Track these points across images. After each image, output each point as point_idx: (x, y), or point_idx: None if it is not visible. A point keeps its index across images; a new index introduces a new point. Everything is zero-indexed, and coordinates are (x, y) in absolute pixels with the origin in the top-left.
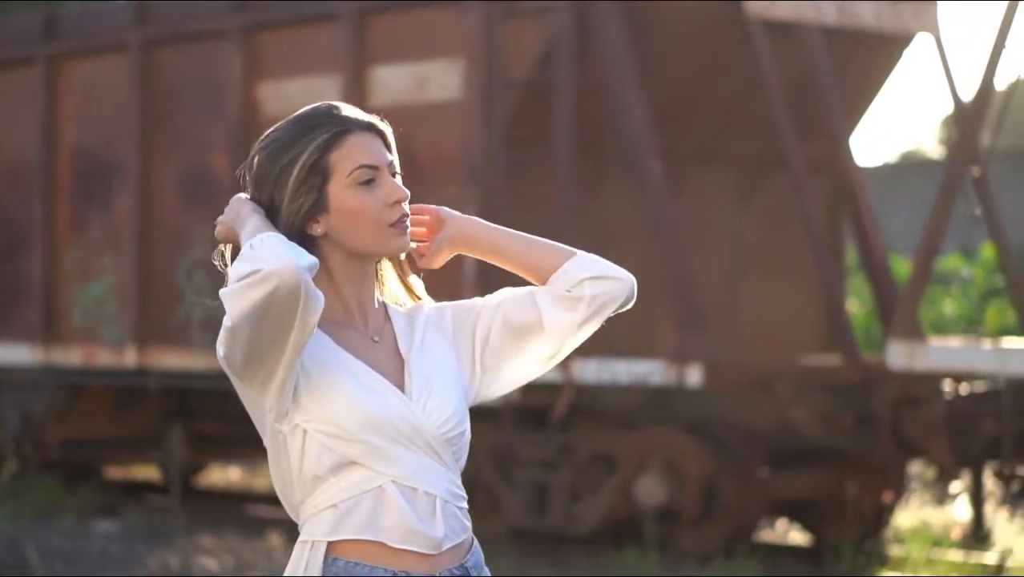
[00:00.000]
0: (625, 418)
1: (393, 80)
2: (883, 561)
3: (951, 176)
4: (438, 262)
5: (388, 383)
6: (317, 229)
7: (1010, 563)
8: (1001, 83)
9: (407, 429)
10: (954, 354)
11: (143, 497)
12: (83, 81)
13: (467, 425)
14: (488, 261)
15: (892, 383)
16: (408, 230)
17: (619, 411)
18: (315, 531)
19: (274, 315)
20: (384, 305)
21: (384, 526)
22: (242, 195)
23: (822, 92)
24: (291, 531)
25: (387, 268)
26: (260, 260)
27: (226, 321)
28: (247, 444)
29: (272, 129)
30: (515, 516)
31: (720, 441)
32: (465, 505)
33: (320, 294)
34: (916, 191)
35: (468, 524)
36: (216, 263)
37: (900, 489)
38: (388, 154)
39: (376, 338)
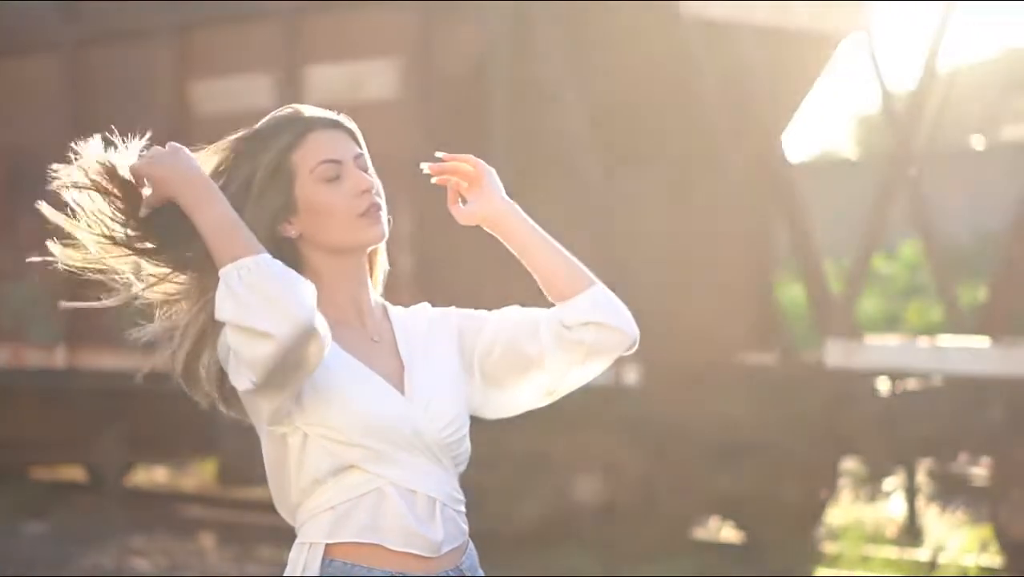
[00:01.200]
0: (562, 417)
1: (329, 79)
2: (817, 558)
3: (889, 175)
4: (464, 221)
5: (388, 385)
6: (291, 231)
7: (942, 560)
8: (935, 84)
9: (408, 432)
10: (891, 352)
11: (69, 498)
12: (12, 80)
13: (467, 431)
14: (507, 247)
15: (826, 380)
16: (382, 219)
17: (556, 410)
18: (313, 533)
19: (290, 365)
20: (383, 305)
21: (384, 529)
22: (182, 152)
23: (756, 91)
24: (224, 532)
25: (380, 267)
26: (268, 316)
27: (244, 369)
28: (177, 444)
29: (240, 135)
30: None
31: (657, 439)
32: (463, 509)
33: (326, 330)
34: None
35: (466, 527)
36: (77, 195)
37: (834, 486)
38: (355, 148)
39: (375, 338)
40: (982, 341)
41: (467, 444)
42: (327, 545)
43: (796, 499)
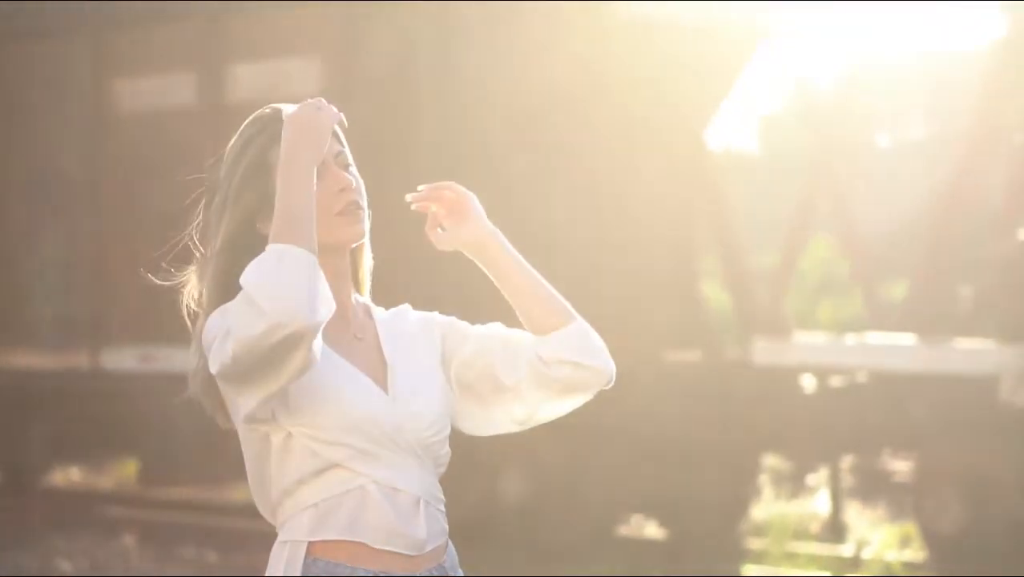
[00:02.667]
0: None
1: (250, 78)
2: (742, 555)
3: (814, 172)
4: (443, 247)
5: (371, 382)
6: (269, 226)
7: (866, 555)
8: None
9: (391, 430)
10: (819, 349)
11: None
12: None
13: (448, 432)
14: (488, 275)
15: (751, 377)
16: (362, 218)
17: None
18: (295, 531)
19: (274, 360)
20: (366, 305)
21: (366, 527)
22: (315, 109)
23: (680, 89)
24: (146, 531)
25: (365, 266)
26: (280, 300)
27: (229, 345)
28: (97, 445)
29: (234, 141)
30: None
31: (582, 437)
32: (444, 508)
33: (318, 350)
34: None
35: (446, 526)
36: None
37: (758, 483)
38: (335, 146)
39: (358, 336)
40: (908, 338)
41: (448, 446)
42: (309, 543)
43: (720, 496)
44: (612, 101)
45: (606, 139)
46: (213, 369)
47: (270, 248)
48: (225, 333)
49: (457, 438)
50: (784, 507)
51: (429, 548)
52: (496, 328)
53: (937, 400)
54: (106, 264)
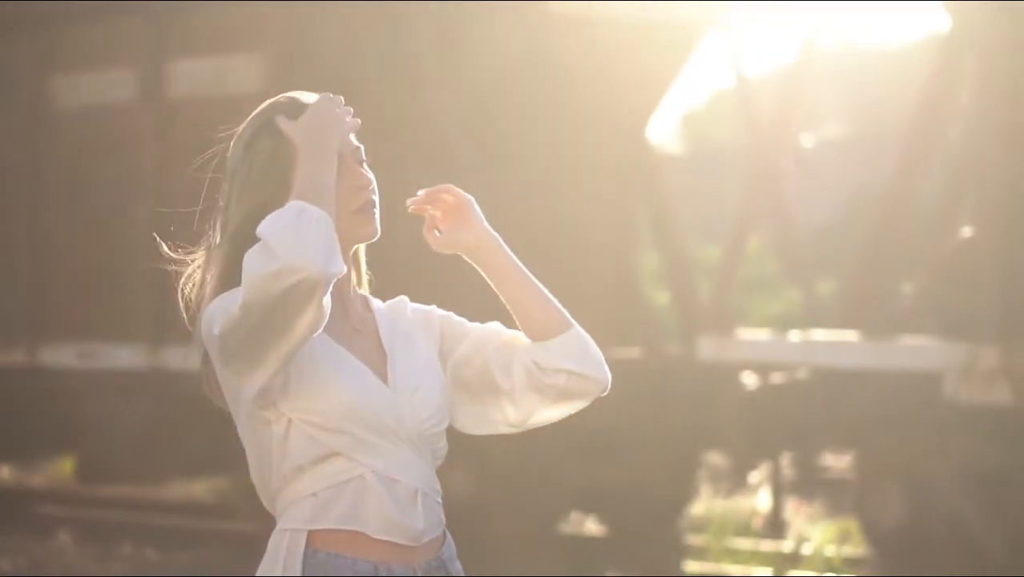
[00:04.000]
0: None
1: (192, 73)
2: (682, 551)
3: (756, 168)
4: (440, 249)
5: (372, 373)
6: None
7: (806, 551)
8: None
9: (391, 421)
10: (763, 347)
11: None
12: None
13: (446, 424)
14: (486, 278)
15: (692, 374)
16: (376, 217)
17: None
18: (294, 520)
19: (284, 312)
20: (364, 297)
21: (366, 516)
22: (326, 104)
23: (621, 85)
24: (82, 530)
25: (363, 259)
26: (291, 246)
27: (239, 298)
28: (31, 442)
29: (246, 120)
30: None
31: (522, 434)
32: (440, 499)
33: (328, 306)
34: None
35: (443, 518)
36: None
37: (699, 479)
38: (352, 141)
39: (358, 327)
40: (851, 335)
41: (445, 439)
42: (309, 533)
43: (661, 492)
44: (555, 98)
45: (547, 135)
46: (218, 331)
47: (291, 204)
48: (226, 307)
49: None
50: (725, 503)
51: (426, 539)
52: (495, 328)
53: (879, 396)
54: (46, 260)
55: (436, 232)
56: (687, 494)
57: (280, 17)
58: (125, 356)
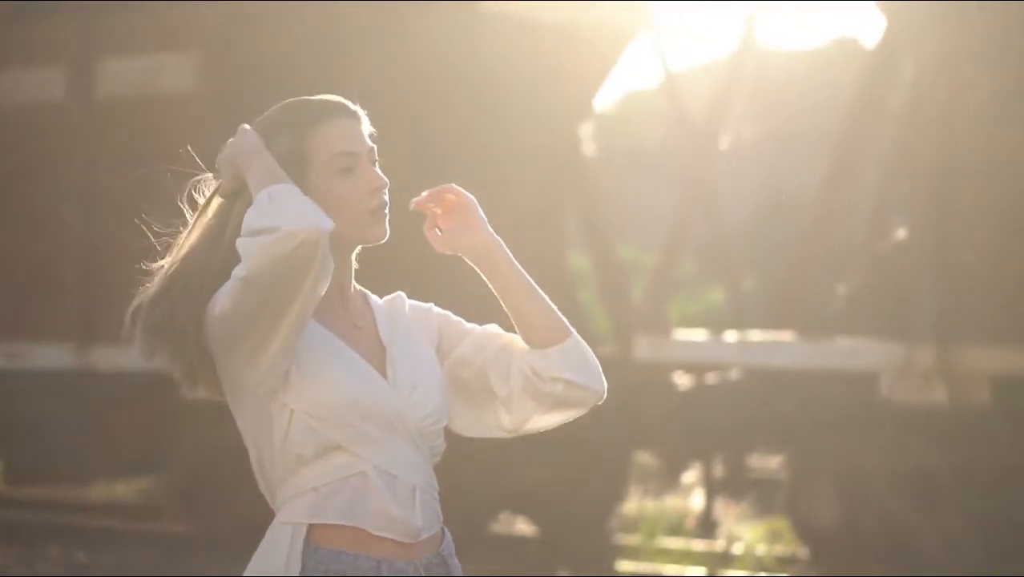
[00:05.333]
0: None
1: (123, 72)
2: (614, 551)
3: (695, 169)
4: (442, 249)
5: (372, 369)
6: None
7: (736, 550)
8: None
9: (392, 416)
10: (699, 347)
11: None
12: None
13: (445, 422)
14: (487, 282)
15: (624, 374)
16: (386, 219)
17: None
18: (295, 513)
19: (289, 275)
20: (363, 293)
21: (366, 512)
22: (244, 128)
23: (553, 86)
24: (9, 532)
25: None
26: (282, 216)
27: (238, 272)
28: None
29: (256, 122)
30: (251, 510)
31: (452, 434)
32: (438, 495)
33: (331, 261)
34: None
35: (440, 514)
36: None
37: (630, 479)
38: (368, 142)
39: (358, 324)
40: (786, 335)
41: (443, 437)
42: (308, 528)
43: (593, 492)
44: (486, 98)
45: (478, 136)
46: (219, 311)
47: (257, 198)
48: (227, 289)
49: None
50: (657, 503)
51: (425, 536)
52: (494, 330)
53: (814, 397)
54: None
55: (437, 231)
56: (619, 494)
57: (214, 17)
58: (53, 356)
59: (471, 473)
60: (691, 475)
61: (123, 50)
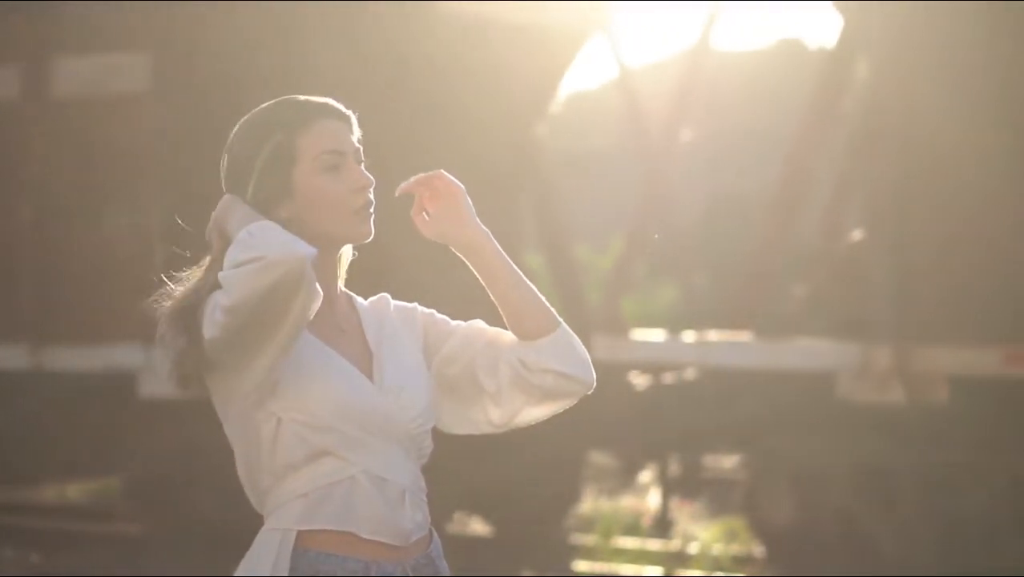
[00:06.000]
0: None
1: (78, 71)
2: (570, 551)
3: (649, 169)
4: (429, 235)
5: (359, 372)
6: (282, 213)
7: (692, 550)
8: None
9: (380, 420)
10: (658, 347)
11: None
12: None
13: (432, 423)
14: (477, 275)
15: None
16: (371, 218)
17: None
18: (284, 519)
19: (276, 302)
20: (348, 296)
21: (356, 516)
22: (225, 196)
23: (507, 86)
24: None
25: (346, 256)
26: (262, 247)
27: (223, 301)
28: None
29: (242, 120)
30: (205, 511)
31: None
32: (426, 497)
33: (318, 288)
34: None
35: (428, 516)
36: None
37: (585, 479)
38: (354, 143)
39: (343, 327)
40: (743, 335)
41: (431, 439)
42: (298, 532)
43: (548, 492)
44: (442, 98)
45: (434, 135)
46: (211, 333)
47: (236, 238)
48: (215, 304)
49: None
50: (613, 503)
51: (414, 538)
52: (479, 326)
53: (772, 396)
54: None
55: (425, 216)
56: (574, 494)
57: (169, 16)
58: (6, 357)
59: (426, 474)
60: (646, 475)
61: (78, 49)
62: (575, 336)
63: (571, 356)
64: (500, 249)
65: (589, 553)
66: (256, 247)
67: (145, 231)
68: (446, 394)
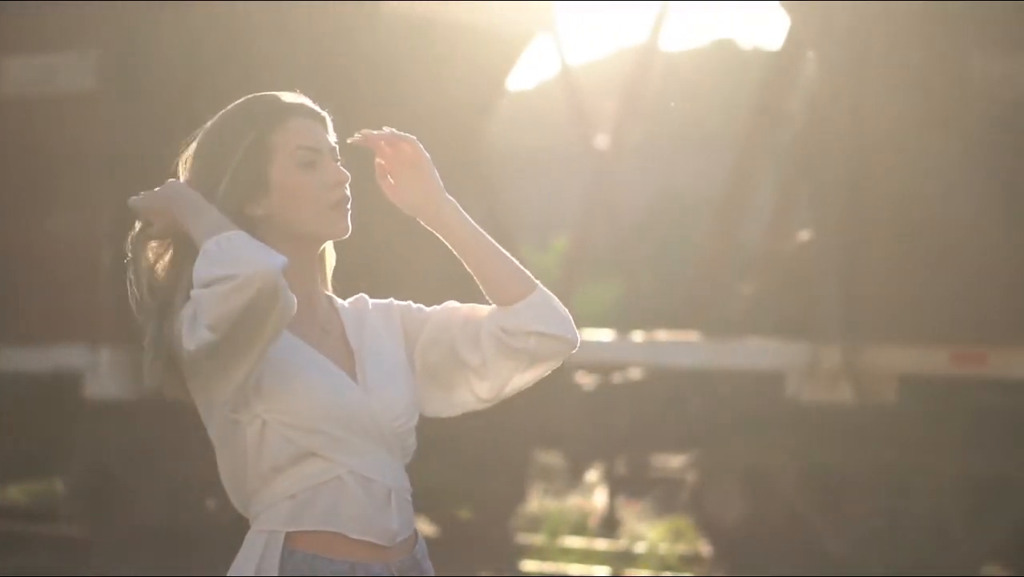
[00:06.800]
0: None
1: (18, 71)
2: (517, 550)
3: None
4: (395, 201)
5: (342, 372)
6: (257, 210)
7: (639, 549)
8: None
9: (365, 420)
10: (605, 347)
11: None
12: None
13: (416, 421)
14: (447, 245)
15: None
16: (349, 215)
17: None
18: (272, 521)
19: (252, 318)
20: (328, 297)
21: (343, 517)
22: (175, 181)
23: (452, 86)
24: None
25: (329, 261)
26: (235, 263)
27: (202, 319)
28: None
29: (216, 116)
30: (149, 512)
31: None
32: (411, 497)
33: (293, 297)
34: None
35: (414, 517)
36: (130, 247)
37: (532, 479)
38: (331, 142)
39: (325, 328)
40: (692, 335)
41: (415, 437)
42: (286, 534)
43: (495, 492)
44: (385, 97)
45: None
46: (192, 345)
47: (204, 246)
48: (192, 314)
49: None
50: (560, 502)
51: (400, 539)
52: (452, 305)
53: (720, 396)
54: None
55: (390, 180)
56: (521, 494)
57: (113, 15)
58: None
59: None
60: (593, 474)
61: (22, 48)
62: (553, 296)
63: (551, 316)
64: (469, 219)
65: (536, 553)
66: (225, 263)
67: (90, 231)
68: (431, 379)
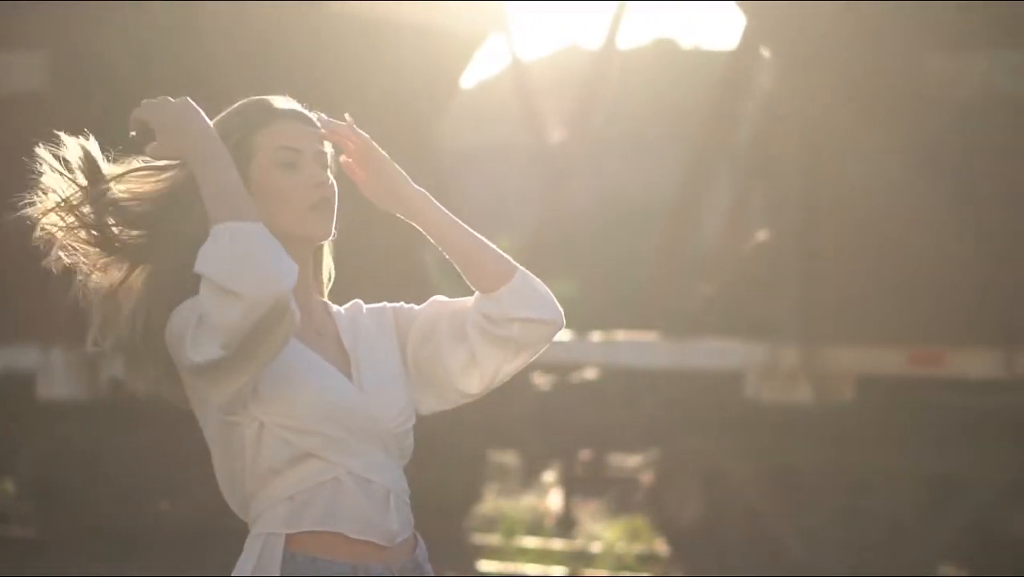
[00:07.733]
0: None
1: None
2: (472, 550)
3: (554, 166)
4: (368, 195)
5: (340, 374)
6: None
7: (595, 549)
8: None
9: (363, 421)
10: (566, 347)
11: None
12: None
13: (413, 422)
14: (428, 237)
15: None
16: (332, 217)
17: None
18: (271, 523)
19: (258, 335)
20: (323, 303)
21: (343, 517)
22: (189, 101)
23: (406, 85)
24: None
25: (326, 268)
26: (244, 280)
27: (213, 337)
28: None
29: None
30: (101, 513)
31: None
32: (409, 498)
33: (297, 312)
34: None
35: (412, 518)
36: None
37: (488, 479)
38: (318, 146)
39: (320, 331)
40: (650, 335)
41: (412, 437)
42: (286, 536)
43: (450, 492)
44: (340, 98)
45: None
46: (199, 359)
47: (216, 230)
48: (198, 320)
49: (196, 439)
50: (515, 502)
51: (399, 540)
52: (439, 300)
53: (678, 396)
54: None
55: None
56: (476, 494)
57: (65, 15)
58: None
59: None
60: (549, 474)
61: None
62: (535, 278)
63: (533, 299)
64: (442, 207)
65: (492, 553)
66: (235, 275)
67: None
68: (424, 378)
